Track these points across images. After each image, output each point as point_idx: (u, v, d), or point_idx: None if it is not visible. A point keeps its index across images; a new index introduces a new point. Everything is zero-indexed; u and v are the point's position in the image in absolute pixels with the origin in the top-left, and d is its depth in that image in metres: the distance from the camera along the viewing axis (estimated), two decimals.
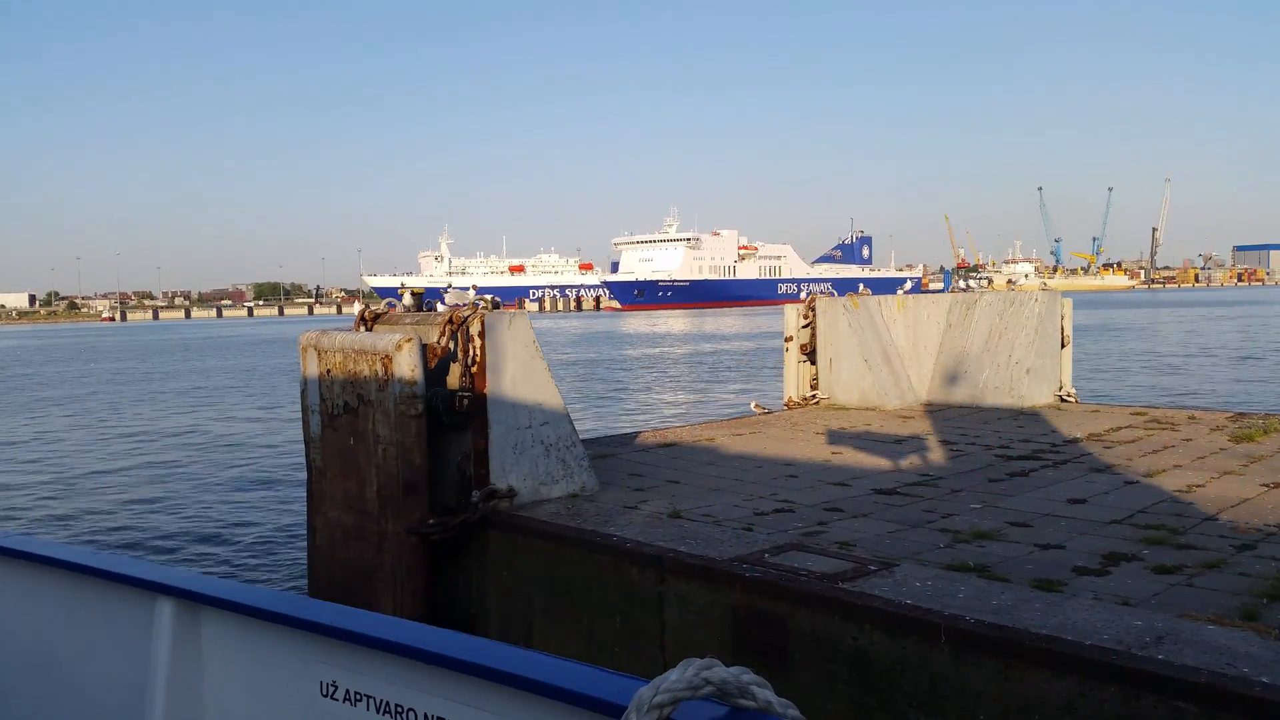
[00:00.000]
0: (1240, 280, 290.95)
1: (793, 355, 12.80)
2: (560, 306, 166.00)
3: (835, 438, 10.11)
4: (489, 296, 8.34)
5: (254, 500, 15.22)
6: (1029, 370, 11.95)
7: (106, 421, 28.09)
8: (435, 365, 6.89)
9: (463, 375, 6.84)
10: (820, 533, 6.20)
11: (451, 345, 6.91)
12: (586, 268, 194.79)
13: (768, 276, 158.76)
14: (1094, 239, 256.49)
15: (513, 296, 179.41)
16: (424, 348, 6.78)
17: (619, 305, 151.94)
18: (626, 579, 5.83)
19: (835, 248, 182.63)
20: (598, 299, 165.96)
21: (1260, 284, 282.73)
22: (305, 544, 8.04)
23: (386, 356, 6.72)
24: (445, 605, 6.89)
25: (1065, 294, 13.09)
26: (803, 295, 13.29)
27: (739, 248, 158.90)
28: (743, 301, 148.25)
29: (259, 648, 2.80)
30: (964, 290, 13.64)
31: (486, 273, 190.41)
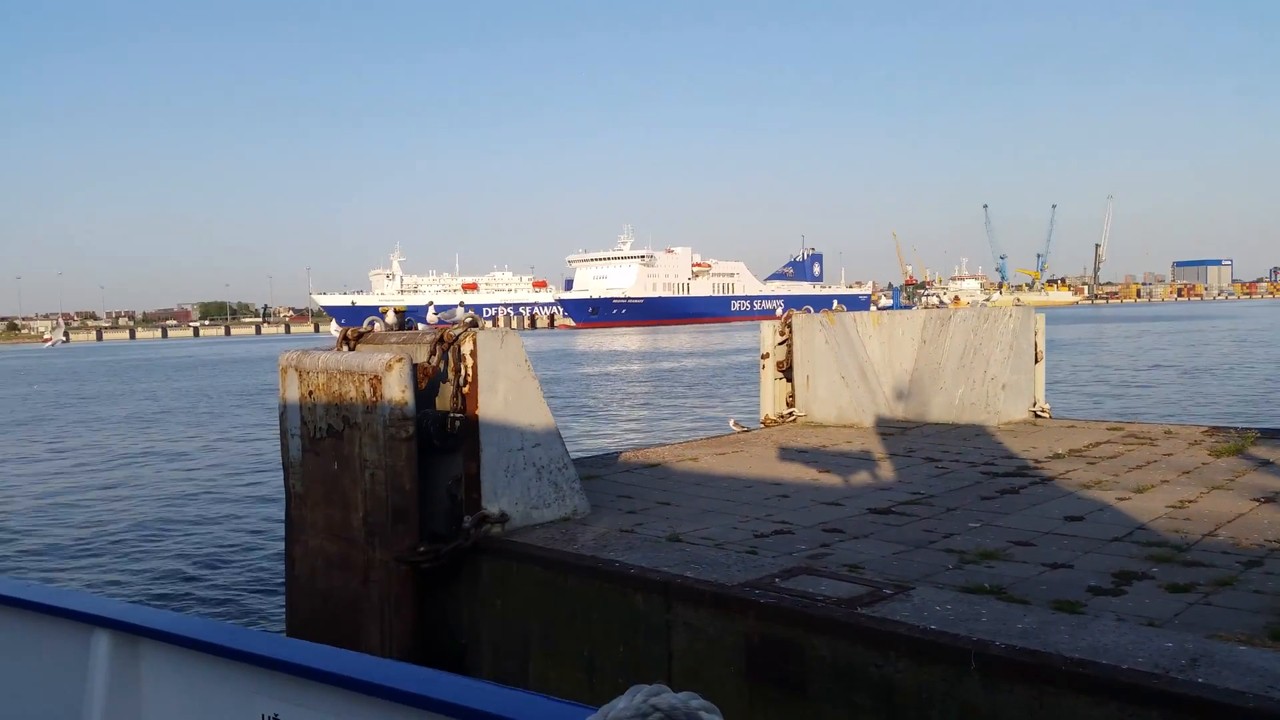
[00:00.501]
0: (1180, 295, 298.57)
1: (769, 372, 12.73)
2: (514, 324, 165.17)
3: (819, 456, 10.02)
4: (471, 313, 8.16)
5: (222, 529, 14.73)
6: (1004, 386, 11.98)
7: (66, 447, 27.25)
8: (425, 386, 6.68)
9: (454, 396, 6.64)
10: (825, 555, 6.08)
11: (442, 365, 6.70)
12: (540, 285, 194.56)
13: (721, 294, 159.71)
14: (1038, 255, 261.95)
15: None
16: (414, 368, 6.56)
17: (573, 323, 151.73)
18: (631, 607, 5.65)
19: (787, 265, 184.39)
20: (552, 317, 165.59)
21: (1199, 299, 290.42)
22: (283, 574, 7.75)
23: (375, 377, 6.50)
24: (435, 637, 6.65)
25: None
26: (778, 312, 13.23)
27: (692, 265, 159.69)
28: (696, 319, 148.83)
29: (199, 680, 2.74)
30: (939, 307, 13.65)
31: (439, 290, 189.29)
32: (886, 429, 11.88)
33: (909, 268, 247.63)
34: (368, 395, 6.56)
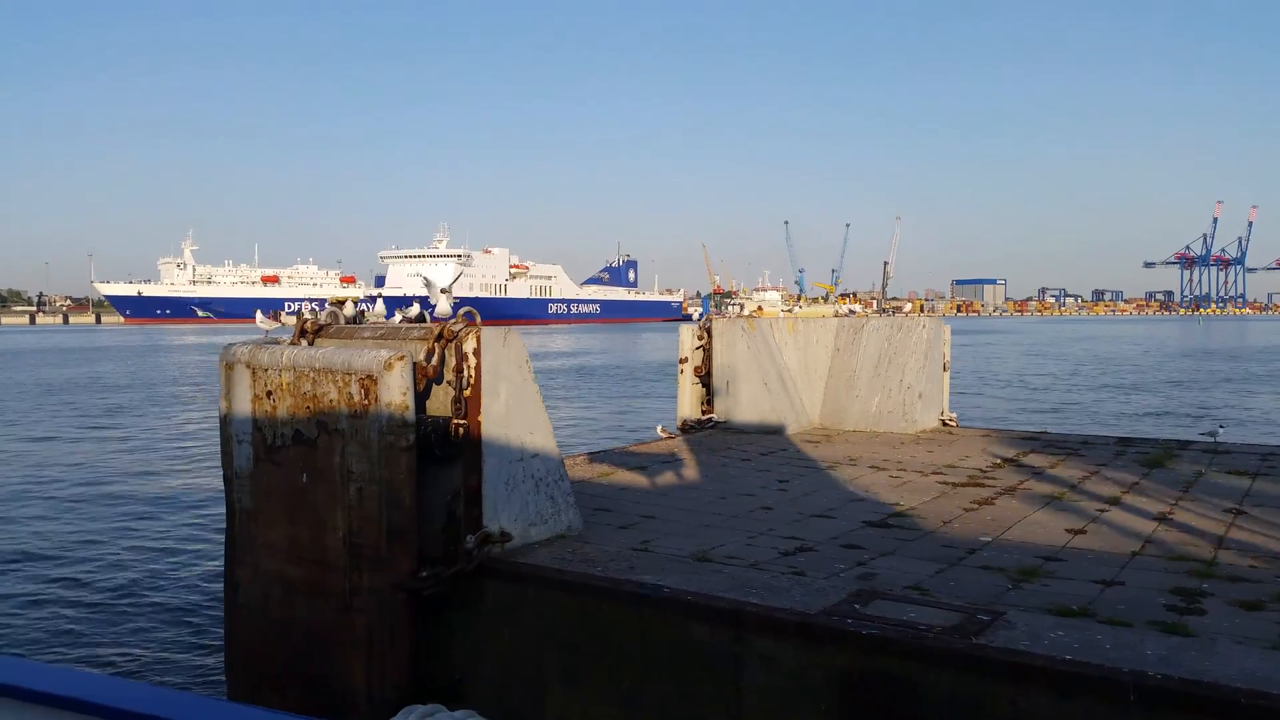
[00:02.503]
0: (959, 311, 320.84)
1: (687, 377, 12.33)
2: None
3: (766, 464, 9.69)
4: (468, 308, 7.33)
5: (114, 548, 12.72)
6: (920, 395, 12.07)
7: None
8: (422, 388, 5.86)
9: (455, 400, 5.84)
10: (873, 575, 5.70)
11: (439, 365, 5.90)
12: (349, 281, 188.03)
13: (538, 296, 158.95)
14: (833, 270, 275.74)
15: (267, 309, 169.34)
16: (414, 367, 5.74)
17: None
18: (688, 637, 5.08)
19: (603, 270, 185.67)
20: (362, 313, 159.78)
21: (976, 315, 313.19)
22: (222, 601, 6.68)
23: (369, 377, 5.63)
24: (429, 671, 5.83)
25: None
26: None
27: (510, 266, 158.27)
28: (514, 320, 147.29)
29: None
30: (849, 315, 13.66)
31: (236, 282, 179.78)
32: (810, 436, 11.72)
33: (717, 277, 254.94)
34: (357, 398, 5.68)
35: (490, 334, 5.98)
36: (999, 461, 9.88)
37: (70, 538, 12.85)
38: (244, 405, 6.26)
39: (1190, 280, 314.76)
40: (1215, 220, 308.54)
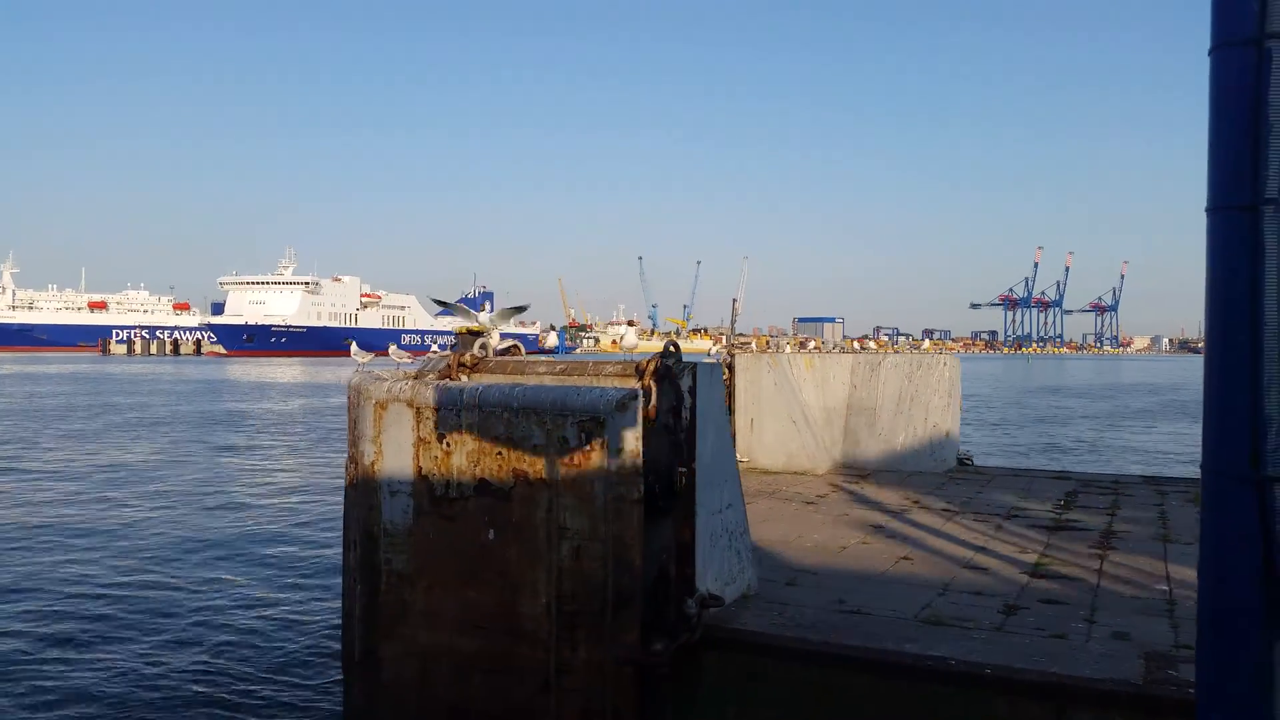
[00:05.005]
0: (802, 347, 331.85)
1: None
2: (153, 350, 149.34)
3: (836, 508, 9.26)
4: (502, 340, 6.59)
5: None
6: (947, 433, 11.93)
7: None
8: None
9: (674, 444, 5.16)
10: (1124, 634, 5.32)
11: (658, 405, 5.20)
12: (182, 308, 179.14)
13: (391, 326, 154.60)
14: (684, 306, 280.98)
15: (94, 337, 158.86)
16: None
17: (224, 350, 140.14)
18: (993, 715, 4.54)
19: (459, 300, 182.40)
20: (199, 342, 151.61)
21: (819, 351, 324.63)
22: (340, 675, 5.68)
23: (593, 419, 4.88)
24: None
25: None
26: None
27: (361, 295, 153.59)
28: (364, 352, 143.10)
29: None
30: (860, 351, 13.46)
31: (60, 308, 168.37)
32: (846, 476, 11.37)
33: (572, 311, 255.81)
34: (574, 442, 4.93)
35: (705, 371, 5.34)
36: (1060, 502, 9.77)
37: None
38: (404, 450, 5.37)
39: (1013, 321, 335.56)
40: (1036, 265, 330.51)
